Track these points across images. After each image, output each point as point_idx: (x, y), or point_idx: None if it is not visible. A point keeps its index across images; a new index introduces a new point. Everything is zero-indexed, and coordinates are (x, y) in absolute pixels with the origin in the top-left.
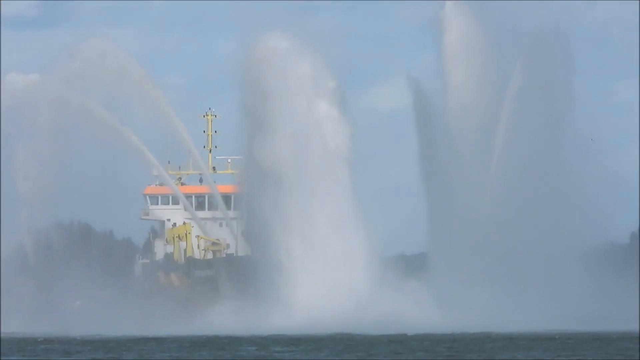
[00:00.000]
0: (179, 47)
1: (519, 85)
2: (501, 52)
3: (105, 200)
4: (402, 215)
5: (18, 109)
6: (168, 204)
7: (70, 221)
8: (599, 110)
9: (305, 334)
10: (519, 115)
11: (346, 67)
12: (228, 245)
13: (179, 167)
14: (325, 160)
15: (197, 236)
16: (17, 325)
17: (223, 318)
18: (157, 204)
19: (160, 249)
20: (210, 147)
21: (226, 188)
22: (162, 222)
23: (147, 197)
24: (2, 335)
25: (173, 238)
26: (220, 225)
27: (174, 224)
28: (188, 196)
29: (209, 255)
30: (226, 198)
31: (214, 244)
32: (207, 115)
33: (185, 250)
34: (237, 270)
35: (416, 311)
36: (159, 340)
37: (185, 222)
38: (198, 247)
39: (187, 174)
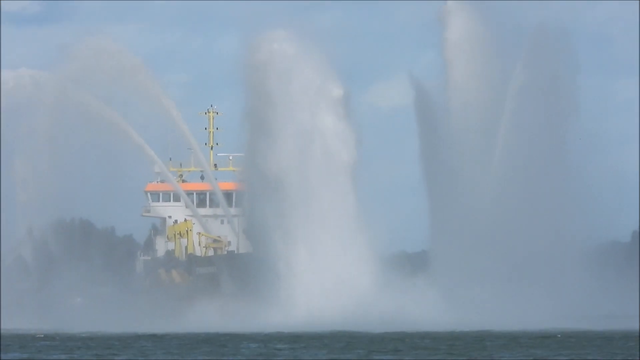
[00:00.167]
0: (180, 44)
1: (520, 83)
2: (503, 50)
3: (107, 197)
4: (403, 212)
5: (18, 109)
6: (169, 201)
7: (71, 218)
8: (600, 109)
9: (307, 332)
10: (521, 114)
11: (347, 65)
12: (229, 243)
13: (180, 164)
14: (328, 169)
15: (198, 233)
16: (17, 322)
17: (224, 315)
18: (159, 201)
19: (162, 246)
20: (211, 144)
21: (227, 185)
22: (164, 219)
23: (149, 194)
24: (2, 331)
25: (174, 235)
26: (222, 222)
27: (175, 221)
28: (189, 193)
29: (210, 253)
30: (227, 195)
31: (215, 241)
32: (208, 112)
33: (186, 247)
34: (238, 268)
35: (417, 309)
36: (159, 337)
37: (187, 219)
38: (199, 244)
39: (189, 171)
